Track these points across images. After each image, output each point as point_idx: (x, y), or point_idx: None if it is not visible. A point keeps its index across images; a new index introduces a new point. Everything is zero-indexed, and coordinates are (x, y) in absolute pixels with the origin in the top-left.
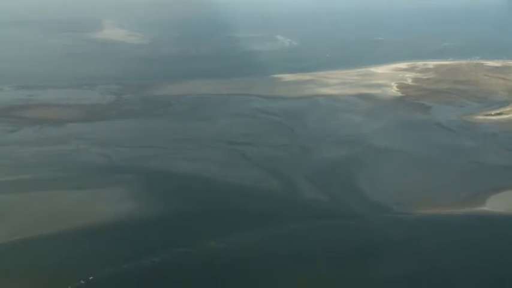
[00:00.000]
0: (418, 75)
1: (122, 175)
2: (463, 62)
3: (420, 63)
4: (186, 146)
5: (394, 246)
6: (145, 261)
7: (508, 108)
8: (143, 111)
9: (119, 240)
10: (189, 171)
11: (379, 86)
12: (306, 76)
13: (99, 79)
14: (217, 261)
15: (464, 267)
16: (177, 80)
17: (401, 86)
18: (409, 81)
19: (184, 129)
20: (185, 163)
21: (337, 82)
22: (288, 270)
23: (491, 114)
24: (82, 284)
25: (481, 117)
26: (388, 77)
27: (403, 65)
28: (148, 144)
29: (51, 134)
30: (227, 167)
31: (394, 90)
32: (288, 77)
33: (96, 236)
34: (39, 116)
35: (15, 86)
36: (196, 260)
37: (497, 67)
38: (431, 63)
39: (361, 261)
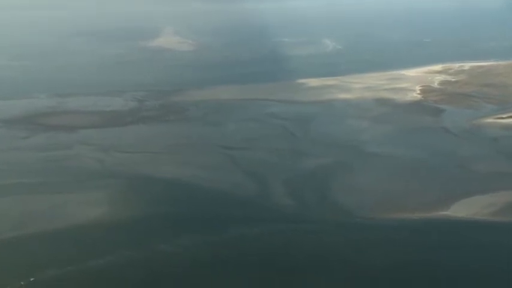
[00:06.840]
0: (448, 77)
1: (107, 180)
2: (502, 63)
3: (456, 65)
4: (181, 151)
5: (337, 249)
6: (90, 264)
7: None
8: (157, 117)
9: (73, 242)
10: (174, 176)
11: (401, 90)
12: (331, 81)
13: (131, 86)
14: (163, 265)
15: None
16: (204, 86)
17: (425, 90)
18: (435, 85)
19: (189, 134)
20: (173, 168)
21: (360, 86)
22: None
23: (502, 118)
24: (22, 285)
25: (490, 120)
26: (416, 80)
27: (438, 67)
28: (147, 149)
29: (61, 139)
30: (212, 171)
31: (415, 94)
32: (313, 81)
33: (52, 239)
34: (58, 122)
35: (51, 94)
36: (139, 263)
37: None
38: (467, 65)
39: (300, 262)
